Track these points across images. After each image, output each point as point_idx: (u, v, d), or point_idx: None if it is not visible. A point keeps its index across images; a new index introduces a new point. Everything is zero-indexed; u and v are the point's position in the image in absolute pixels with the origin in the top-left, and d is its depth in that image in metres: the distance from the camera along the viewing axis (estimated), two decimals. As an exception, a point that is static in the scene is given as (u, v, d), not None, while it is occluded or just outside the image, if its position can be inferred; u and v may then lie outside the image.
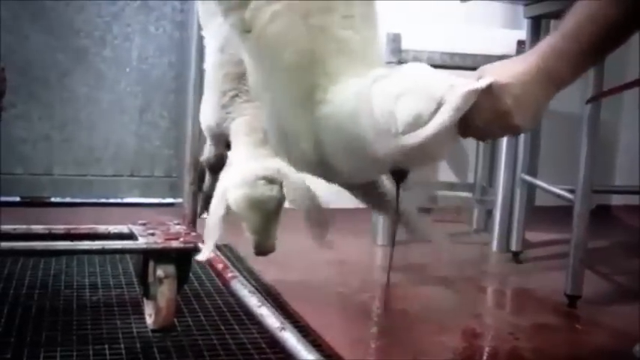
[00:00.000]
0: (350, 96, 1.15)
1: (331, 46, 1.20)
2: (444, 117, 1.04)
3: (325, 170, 1.27)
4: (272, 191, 1.47)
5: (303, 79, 1.21)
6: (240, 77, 1.62)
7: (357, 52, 1.22)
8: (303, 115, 1.22)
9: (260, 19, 1.22)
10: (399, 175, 1.17)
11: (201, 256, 1.63)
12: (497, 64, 1.15)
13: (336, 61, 1.20)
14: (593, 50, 1.12)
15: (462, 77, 1.10)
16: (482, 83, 1.07)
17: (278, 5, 1.20)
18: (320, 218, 1.51)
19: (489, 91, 1.07)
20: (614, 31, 1.11)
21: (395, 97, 1.07)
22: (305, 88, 1.21)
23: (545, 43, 1.12)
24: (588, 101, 2.21)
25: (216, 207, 1.52)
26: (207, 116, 1.72)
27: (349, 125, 1.14)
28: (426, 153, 1.08)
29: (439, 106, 1.05)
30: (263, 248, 1.50)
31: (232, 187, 1.49)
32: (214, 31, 1.68)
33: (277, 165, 1.49)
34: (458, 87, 1.06)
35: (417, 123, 1.05)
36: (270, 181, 1.48)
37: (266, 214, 1.48)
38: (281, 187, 1.48)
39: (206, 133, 1.77)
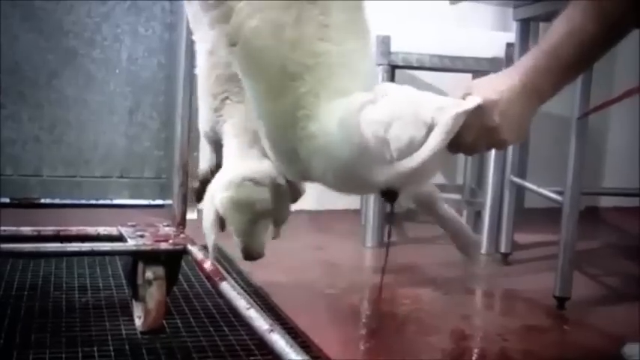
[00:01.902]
0: (336, 124, 1.15)
1: (308, 61, 1.19)
2: (436, 140, 1.05)
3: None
4: (258, 193, 1.45)
5: (284, 98, 1.20)
6: (231, 79, 1.60)
7: (337, 64, 1.21)
8: (290, 135, 1.22)
9: (242, 35, 1.21)
10: (390, 196, 1.18)
11: (206, 264, 1.68)
12: (482, 80, 1.18)
13: (315, 76, 1.19)
14: (573, 65, 1.15)
15: (448, 97, 1.12)
16: (472, 104, 1.09)
17: (256, 21, 1.19)
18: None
19: (477, 109, 1.09)
20: (593, 47, 1.14)
21: (385, 123, 1.08)
22: (287, 109, 1.20)
23: (527, 60, 1.16)
24: (580, 117, 2.22)
25: (207, 211, 1.52)
26: (203, 122, 1.71)
27: (339, 153, 1.15)
28: (419, 174, 1.09)
29: (430, 129, 1.06)
30: (250, 252, 1.48)
31: (219, 189, 1.47)
32: (203, 34, 1.67)
33: (265, 167, 1.48)
34: (447, 109, 1.07)
35: (410, 148, 1.06)
36: (257, 183, 1.45)
37: (252, 217, 1.45)
38: (268, 189, 1.46)
39: (205, 140, 1.76)
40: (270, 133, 1.28)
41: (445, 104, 1.08)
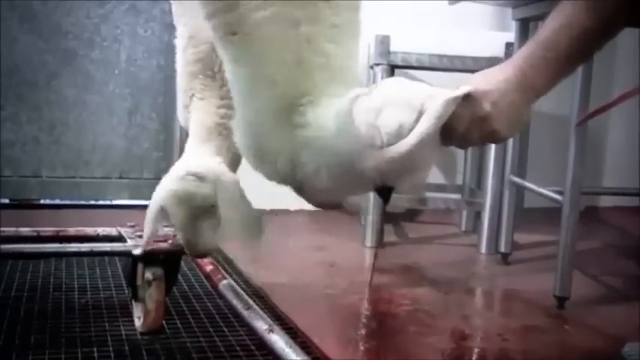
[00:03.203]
0: (331, 117, 1.16)
1: (316, 59, 1.21)
2: (425, 125, 1.06)
3: (301, 185, 1.28)
4: (200, 187, 1.46)
5: (284, 90, 1.21)
6: (196, 76, 1.62)
7: (338, 66, 1.23)
8: (281, 130, 1.23)
9: (248, 24, 1.22)
10: (384, 193, 1.18)
11: (136, 251, 1.69)
12: (478, 74, 1.19)
13: (318, 75, 1.21)
14: (568, 58, 1.16)
15: (441, 88, 1.13)
16: (461, 91, 1.10)
17: (268, 12, 1.20)
18: (250, 223, 1.50)
19: (468, 98, 1.10)
20: (587, 40, 1.14)
21: (377, 110, 1.09)
22: (286, 101, 1.21)
23: (523, 52, 1.17)
24: (578, 124, 2.22)
25: (152, 203, 1.53)
26: (179, 118, 1.73)
27: (333, 146, 1.16)
28: (411, 164, 1.10)
29: (420, 115, 1.07)
30: (193, 248, 1.49)
31: (166, 182, 1.49)
32: (181, 30, 1.68)
33: (212, 163, 1.48)
34: (437, 96, 1.08)
35: (400, 133, 1.07)
36: (200, 177, 1.46)
37: (193, 212, 1.46)
38: (211, 185, 1.46)
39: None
40: (262, 122, 1.28)
41: (436, 92, 1.09)
